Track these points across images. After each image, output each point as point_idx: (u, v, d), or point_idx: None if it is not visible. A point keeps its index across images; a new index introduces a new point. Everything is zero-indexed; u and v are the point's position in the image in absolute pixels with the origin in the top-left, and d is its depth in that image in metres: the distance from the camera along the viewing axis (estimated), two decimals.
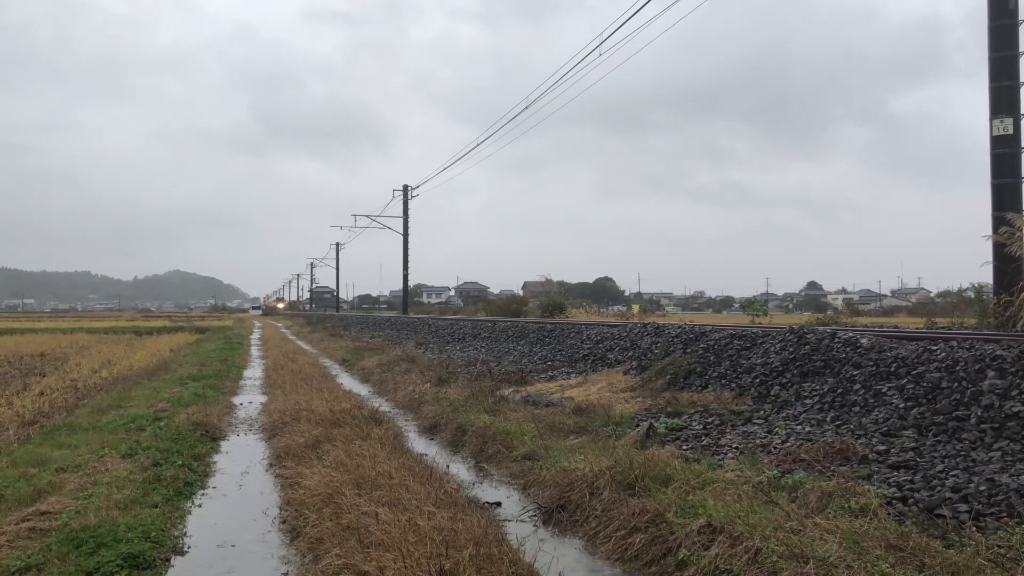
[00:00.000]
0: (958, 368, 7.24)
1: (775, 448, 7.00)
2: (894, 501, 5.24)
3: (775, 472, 6.09)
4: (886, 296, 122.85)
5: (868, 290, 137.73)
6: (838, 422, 7.59)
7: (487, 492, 7.07)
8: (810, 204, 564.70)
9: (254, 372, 19.35)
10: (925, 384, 7.35)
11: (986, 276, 15.30)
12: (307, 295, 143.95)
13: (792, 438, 7.23)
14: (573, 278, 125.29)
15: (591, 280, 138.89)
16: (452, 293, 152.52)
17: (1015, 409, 6.28)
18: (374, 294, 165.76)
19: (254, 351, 27.93)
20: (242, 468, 8.10)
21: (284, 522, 5.98)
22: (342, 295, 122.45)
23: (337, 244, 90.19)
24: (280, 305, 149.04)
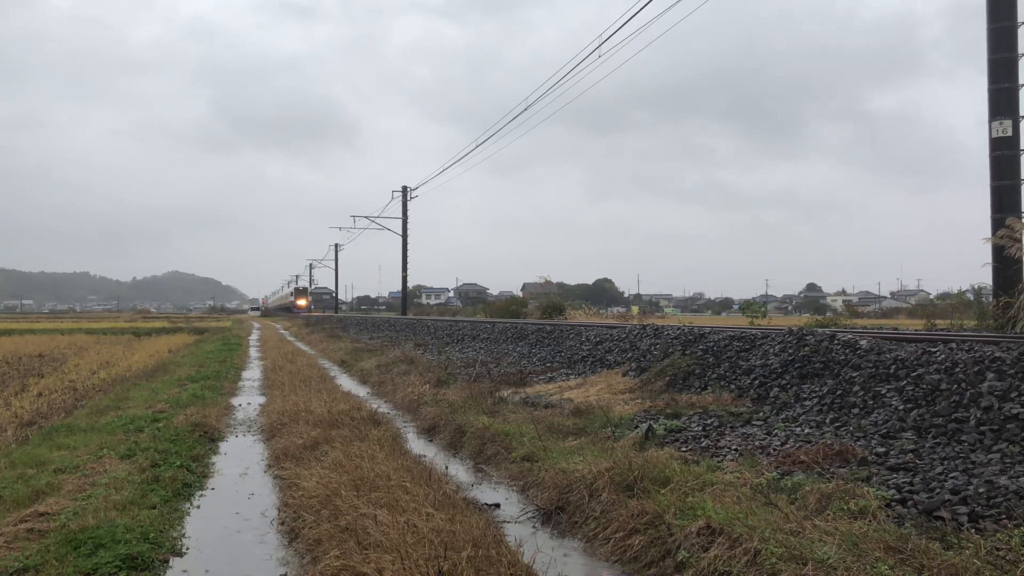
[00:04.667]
0: (957, 370, 7.24)
1: (774, 450, 6.99)
2: (893, 503, 5.23)
3: (774, 474, 6.08)
4: (885, 298, 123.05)
5: (868, 292, 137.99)
6: (837, 424, 7.59)
7: (486, 493, 7.06)
8: (798, 205, 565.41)
9: (253, 373, 19.33)
10: (924, 386, 7.35)
11: (986, 278, 15.29)
12: None
13: (791, 440, 7.22)
14: (572, 279, 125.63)
15: (590, 282, 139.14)
16: (451, 294, 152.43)
17: (1014, 411, 6.27)
18: (373, 295, 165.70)
19: (253, 352, 27.89)
20: (241, 469, 8.09)
21: (283, 523, 5.98)
22: (341, 296, 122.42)
23: (336, 245, 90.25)
24: (302, 303, 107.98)
